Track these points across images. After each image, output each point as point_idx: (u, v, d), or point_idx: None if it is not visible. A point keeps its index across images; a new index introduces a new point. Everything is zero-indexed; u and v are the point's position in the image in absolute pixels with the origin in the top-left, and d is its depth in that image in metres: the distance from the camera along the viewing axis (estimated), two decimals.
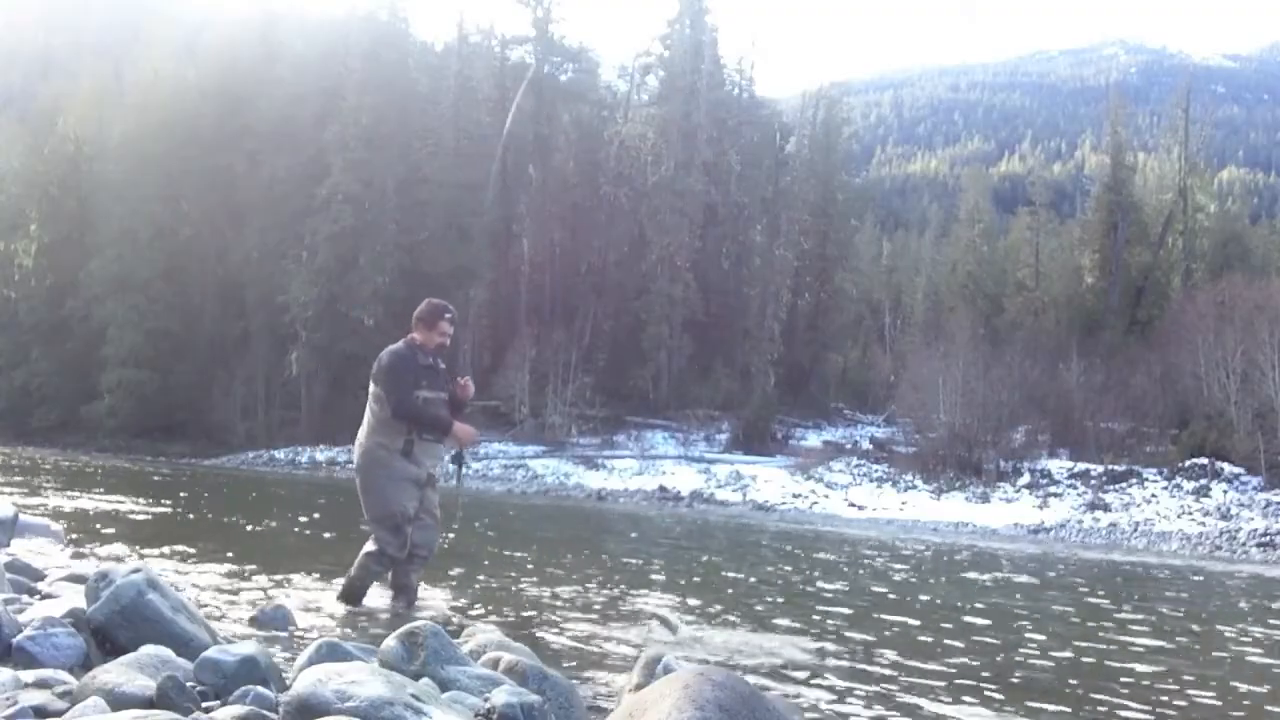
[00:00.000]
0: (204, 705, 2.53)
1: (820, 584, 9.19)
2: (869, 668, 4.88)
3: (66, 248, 45.20)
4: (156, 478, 21.96)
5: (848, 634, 5.93)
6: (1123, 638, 6.67)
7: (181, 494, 16.08)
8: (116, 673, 2.58)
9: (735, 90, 46.50)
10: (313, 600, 5.58)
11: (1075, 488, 26.45)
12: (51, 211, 46.36)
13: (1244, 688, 5.08)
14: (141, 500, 13.24)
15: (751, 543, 15.00)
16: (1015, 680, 4.87)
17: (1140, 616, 8.10)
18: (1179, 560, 17.60)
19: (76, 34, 71.91)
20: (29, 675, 2.62)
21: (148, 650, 2.81)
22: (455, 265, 39.42)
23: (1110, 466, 26.97)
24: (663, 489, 29.62)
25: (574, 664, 4.34)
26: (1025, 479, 27.52)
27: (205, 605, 4.78)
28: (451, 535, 6.26)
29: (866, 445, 34.34)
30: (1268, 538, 20.66)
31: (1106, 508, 24.72)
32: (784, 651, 5.10)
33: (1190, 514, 23.65)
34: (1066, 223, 50.62)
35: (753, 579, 9.27)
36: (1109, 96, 58.02)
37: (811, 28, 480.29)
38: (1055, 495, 26.18)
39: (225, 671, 2.72)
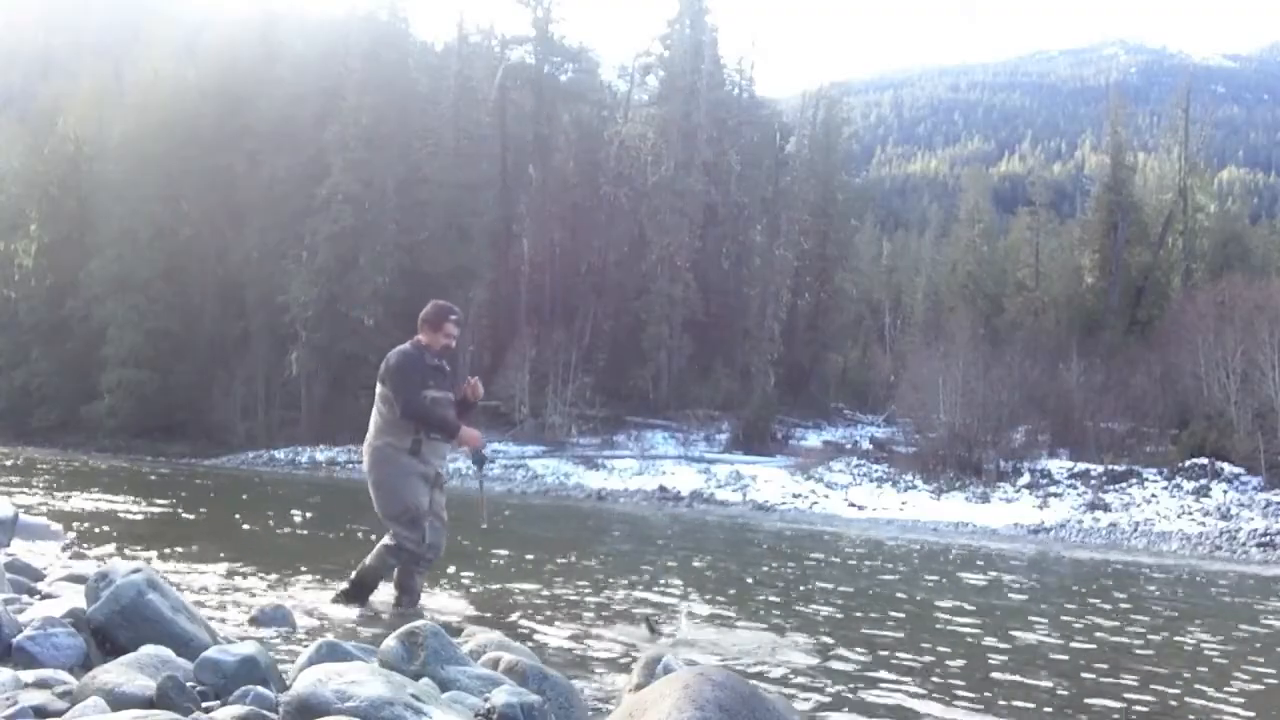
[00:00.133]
0: (204, 705, 2.53)
1: (820, 584, 9.19)
2: (868, 667, 4.88)
3: (66, 248, 45.20)
4: (156, 478, 21.96)
5: (847, 633, 5.94)
6: (1115, 638, 6.67)
7: (181, 494, 16.08)
8: (116, 673, 2.58)
9: (735, 90, 46.50)
10: (313, 600, 5.58)
11: (1075, 488, 26.45)
12: (51, 211, 46.36)
13: (1233, 687, 5.08)
14: (141, 500, 13.24)
15: (751, 543, 15.00)
16: (1015, 680, 4.87)
17: (1135, 616, 8.10)
18: (1179, 560, 17.60)
19: (76, 34, 71.92)
20: (29, 675, 2.62)
21: (148, 650, 2.81)
22: (455, 265, 39.42)
23: (1110, 466, 26.97)
24: (663, 489, 29.62)
25: (574, 664, 4.34)
26: (1025, 479, 27.52)
27: (205, 605, 4.78)
28: (485, 527, 6.26)
29: (866, 445, 34.34)
30: (1268, 538, 20.66)
31: (1106, 508, 24.72)
32: (784, 651, 5.10)
33: (1190, 514, 23.65)
34: (1066, 223, 50.62)
35: (752, 579, 9.28)
36: (1109, 96, 58.02)
37: (811, 28, 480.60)
38: (1055, 495, 26.18)
39: (225, 671, 2.72)
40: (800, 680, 4.44)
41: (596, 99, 47.09)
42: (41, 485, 15.32)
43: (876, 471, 30.54)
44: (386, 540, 5.36)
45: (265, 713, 2.45)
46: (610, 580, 7.84)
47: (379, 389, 5.44)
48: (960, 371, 30.23)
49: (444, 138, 42.17)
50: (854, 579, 10.06)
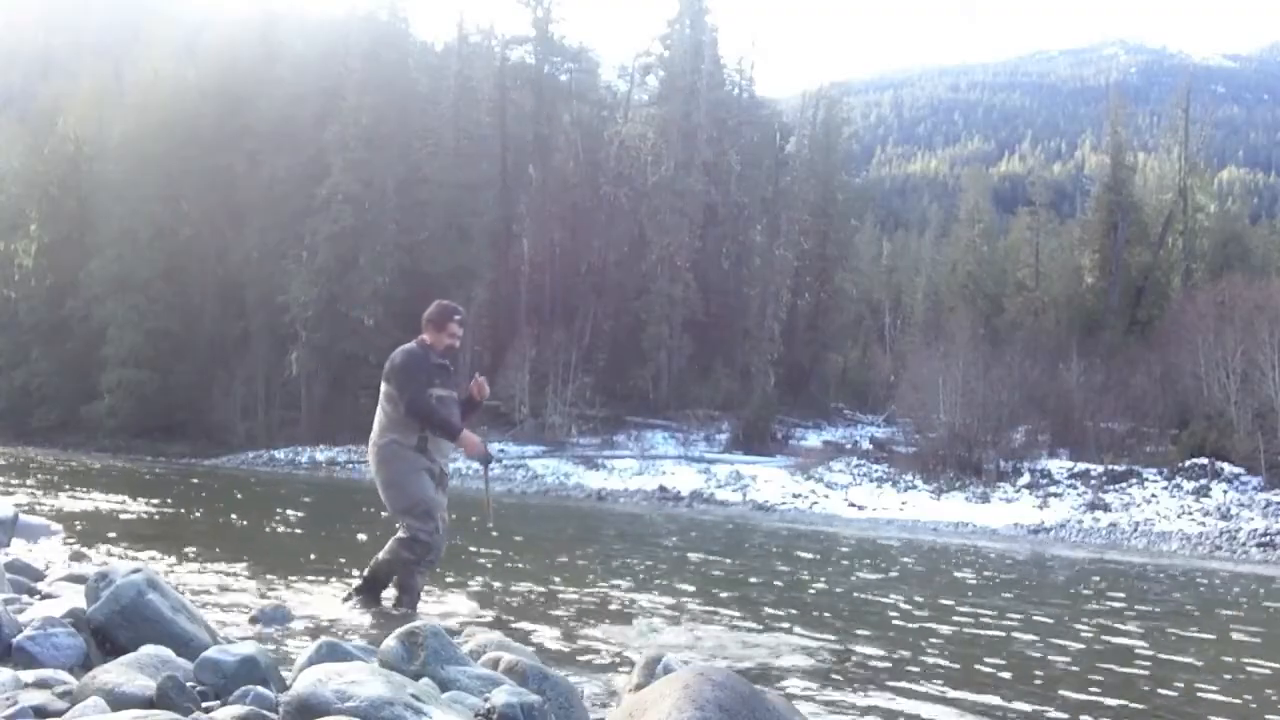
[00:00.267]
0: (204, 705, 2.53)
1: (819, 584, 9.19)
2: (868, 667, 4.88)
3: (66, 248, 45.23)
4: (156, 478, 21.96)
5: (847, 633, 5.94)
6: (1115, 639, 6.67)
7: (181, 494, 16.08)
8: (116, 673, 2.58)
9: (735, 90, 46.51)
10: (313, 600, 5.58)
11: (1075, 488, 26.46)
12: (51, 211, 46.38)
13: (1232, 687, 5.08)
14: (141, 500, 13.24)
15: (751, 543, 15.00)
16: (1015, 680, 4.87)
17: (1134, 617, 8.10)
18: (1179, 560, 17.61)
19: (76, 34, 71.96)
20: (29, 675, 2.62)
21: (148, 650, 2.81)
22: (455, 265, 39.45)
23: (1110, 466, 26.98)
24: (663, 489, 29.63)
25: (574, 664, 4.34)
26: (1025, 479, 27.53)
27: (205, 605, 4.78)
28: (490, 525, 6.24)
29: (866, 445, 34.34)
30: (1268, 538, 20.67)
31: (1106, 508, 24.72)
32: (784, 651, 5.10)
33: (1190, 514, 23.66)
34: (1066, 223, 50.62)
35: (752, 579, 9.28)
36: (1109, 96, 58.02)
37: (811, 28, 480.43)
38: (1055, 495, 26.19)
39: (225, 671, 2.72)
40: (800, 680, 4.44)
41: (596, 99, 47.11)
42: (42, 485, 15.32)
43: (876, 471, 30.55)
44: (399, 534, 5.34)
45: (265, 713, 2.45)
46: (610, 580, 7.84)
47: (384, 387, 5.44)
48: (960, 371, 30.24)
49: (444, 138, 42.19)
50: (854, 579, 10.06)
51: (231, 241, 43.88)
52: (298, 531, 11.05)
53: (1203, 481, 25.44)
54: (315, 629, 4.64)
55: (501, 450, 34.75)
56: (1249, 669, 5.76)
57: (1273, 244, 47.15)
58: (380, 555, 5.34)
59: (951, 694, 4.40)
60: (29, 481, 16.27)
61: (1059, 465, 28.33)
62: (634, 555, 11.03)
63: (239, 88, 43.35)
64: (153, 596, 3.21)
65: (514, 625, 5.24)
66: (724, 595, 7.54)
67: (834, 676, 4.59)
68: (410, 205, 41.18)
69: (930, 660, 5.23)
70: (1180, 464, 26.50)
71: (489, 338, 41.03)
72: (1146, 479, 26.35)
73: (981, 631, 6.57)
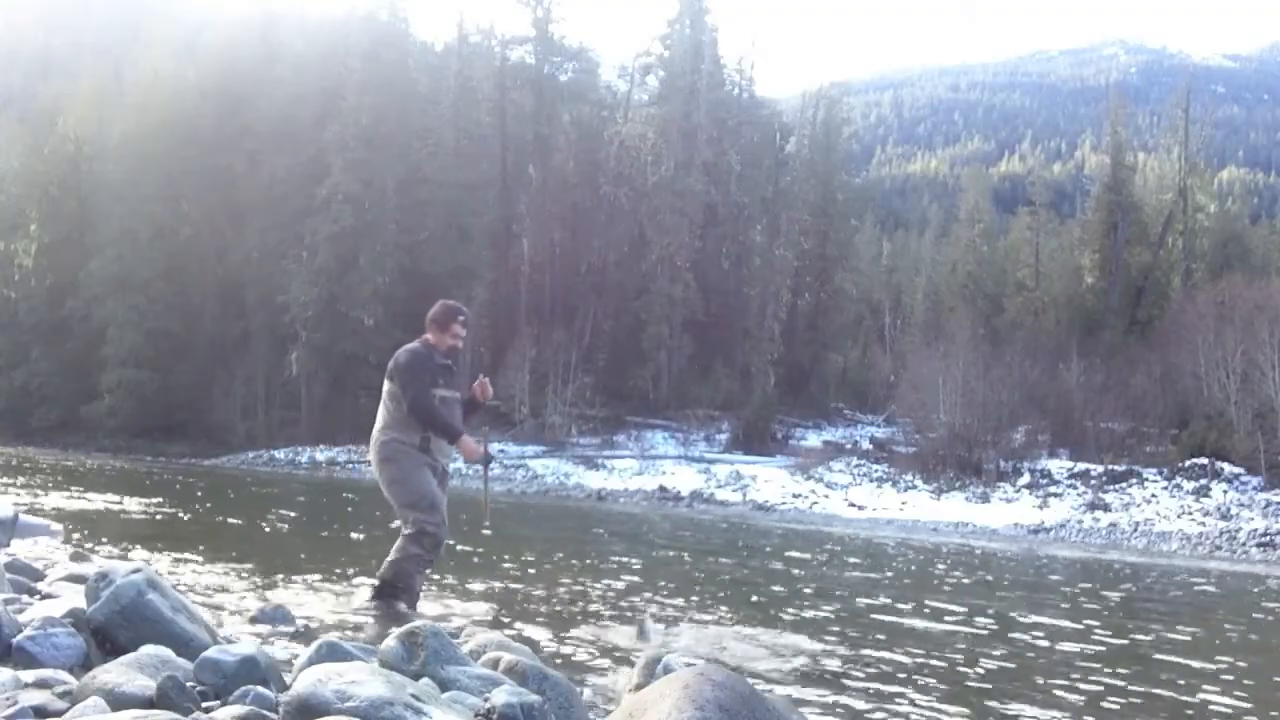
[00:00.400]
0: (204, 705, 2.53)
1: (819, 584, 9.19)
2: (867, 667, 4.88)
3: (66, 248, 45.23)
4: (156, 478, 21.96)
5: (846, 633, 5.94)
6: (1114, 639, 6.66)
7: (181, 494, 16.08)
8: (116, 673, 2.58)
9: (735, 90, 46.51)
10: (313, 600, 5.58)
11: (1075, 488, 26.46)
12: (51, 211, 46.38)
13: (1230, 687, 5.08)
14: (141, 500, 13.24)
15: (751, 543, 15.00)
16: (1013, 681, 4.87)
17: (1133, 616, 8.10)
18: (1179, 560, 17.60)
19: (76, 34, 71.97)
20: (29, 675, 2.62)
21: (148, 650, 2.81)
22: (455, 265, 39.45)
23: (1110, 466, 26.98)
24: (663, 489, 29.63)
25: (574, 664, 4.34)
26: (1025, 479, 27.53)
27: (205, 605, 4.78)
28: (487, 525, 6.24)
29: (866, 445, 34.34)
30: (1268, 538, 20.67)
31: (1106, 508, 24.73)
32: (783, 651, 5.10)
33: (1190, 514, 23.66)
34: (1066, 223, 50.62)
35: (752, 579, 9.28)
36: (1109, 96, 58.01)
37: (811, 28, 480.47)
38: (1055, 495, 26.19)
39: (225, 671, 2.72)
40: (800, 680, 4.44)
41: (596, 99, 47.11)
42: (42, 485, 15.32)
43: (876, 471, 30.55)
44: (405, 531, 5.33)
45: (265, 713, 2.45)
46: (610, 580, 7.84)
47: (387, 385, 5.45)
48: (960, 371, 30.24)
49: (444, 138, 42.20)
50: (853, 580, 10.06)
51: (231, 241, 43.88)
52: (297, 531, 11.05)
53: (1203, 481, 25.44)
54: (315, 629, 4.64)
55: (502, 450, 34.75)
56: (1247, 668, 5.76)
57: (1273, 244, 47.14)
58: (390, 556, 5.33)
59: (950, 695, 4.40)
60: (29, 481, 16.27)
61: (1059, 465, 28.33)
62: (634, 555, 11.03)
63: (239, 88, 43.35)
64: (153, 596, 3.21)
65: (514, 625, 5.24)
66: (723, 595, 7.54)
67: (833, 677, 4.59)
68: (410, 205, 41.18)
69: (929, 661, 5.23)
70: (1180, 464, 26.50)
71: (489, 338, 41.03)
72: (1146, 479, 26.35)
73: (980, 632, 6.57)
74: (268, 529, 11.10)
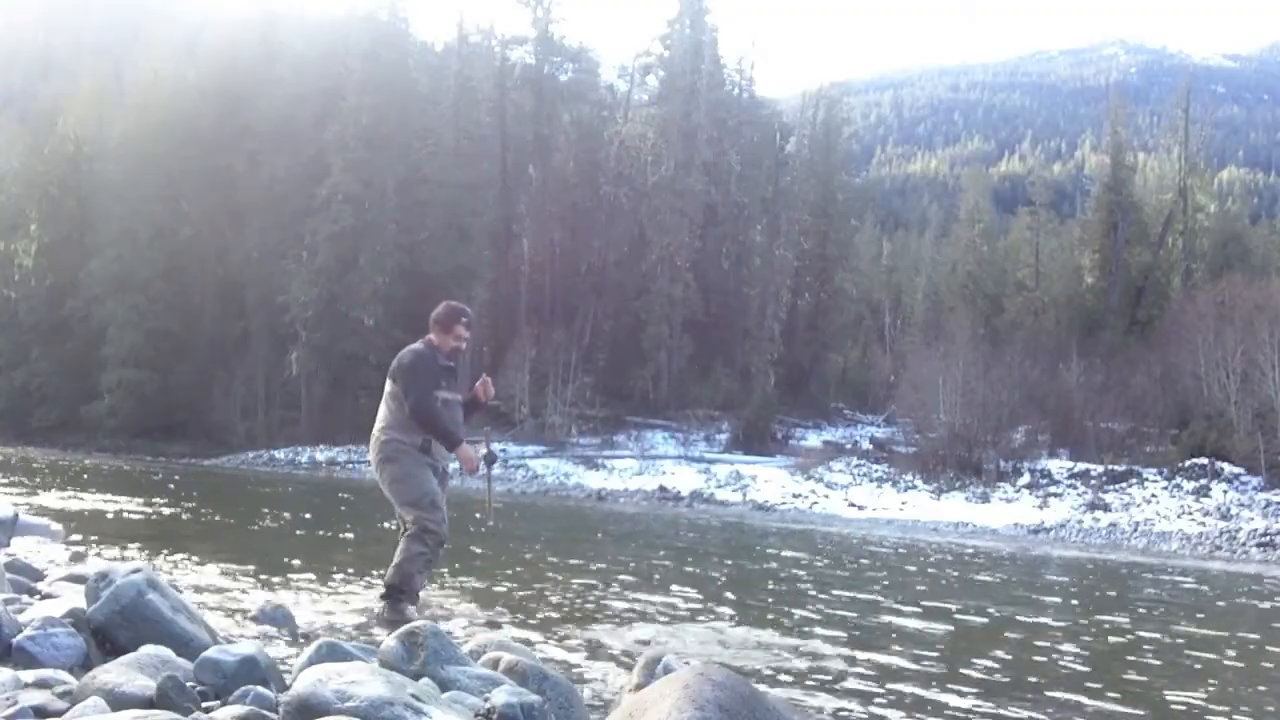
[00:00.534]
0: (204, 705, 2.53)
1: (819, 584, 9.19)
2: (866, 667, 4.88)
3: (66, 248, 45.22)
4: (156, 478, 21.96)
5: (846, 634, 5.94)
6: (1113, 638, 6.66)
7: (181, 494, 16.08)
8: (116, 673, 2.58)
9: (735, 90, 46.50)
10: (313, 600, 5.58)
11: (1075, 488, 26.45)
12: (51, 211, 46.38)
13: (1229, 687, 5.08)
14: (141, 500, 13.24)
15: (751, 543, 15.00)
16: (1014, 681, 4.88)
17: (1133, 617, 8.10)
18: (1179, 560, 17.60)
19: (76, 34, 71.96)
20: (29, 675, 2.62)
21: (148, 650, 2.81)
22: (455, 265, 39.45)
23: (1110, 466, 26.97)
24: (663, 489, 29.63)
25: (574, 664, 4.34)
26: (1025, 479, 27.52)
27: (205, 605, 4.78)
28: (490, 524, 6.24)
29: (866, 445, 34.33)
30: (1268, 538, 20.66)
31: (1106, 508, 24.72)
32: (783, 651, 5.10)
33: (1190, 514, 23.65)
34: (1066, 223, 50.60)
35: (751, 579, 9.28)
36: (1109, 96, 58.00)
37: (811, 28, 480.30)
38: (1055, 495, 26.18)
39: (225, 671, 2.72)
40: (800, 681, 4.44)
41: (596, 99, 47.10)
42: (42, 485, 15.32)
43: (876, 471, 30.54)
44: (409, 531, 5.33)
45: (265, 713, 2.45)
46: (610, 580, 7.84)
47: (389, 385, 5.44)
48: (960, 371, 30.23)
49: (444, 138, 42.19)
50: (852, 580, 10.06)
51: (231, 241, 43.88)
52: (297, 531, 11.05)
53: (1203, 481, 25.43)
54: (315, 629, 4.64)
55: (502, 449, 34.76)
56: (1245, 668, 5.76)
57: (1273, 244, 47.14)
58: (395, 560, 5.32)
59: (950, 695, 4.40)
60: (29, 481, 16.27)
61: (1059, 465, 28.32)
62: (634, 555, 11.03)
63: (239, 88, 43.34)
64: (153, 596, 3.21)
65: (514, 625, 5.24)
66: (723, 595, 7.54)
67: (833, 677, 4.59)
68: (410, 205, 41.18)
69: (929, 661, 5.23)
70: (1180, 464, 26.49)
71: (489, 338, 41.06)
72: (1146, 479, 26.34)
73: (979, 633, 6.57)
74: (268, 529, 11.11)
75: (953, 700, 4.28)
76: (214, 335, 44.04)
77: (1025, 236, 46.63)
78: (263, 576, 6.33)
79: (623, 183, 42.37)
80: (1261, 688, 5.21)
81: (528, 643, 4.37)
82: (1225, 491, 24.80)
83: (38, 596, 4.01)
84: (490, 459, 5.75)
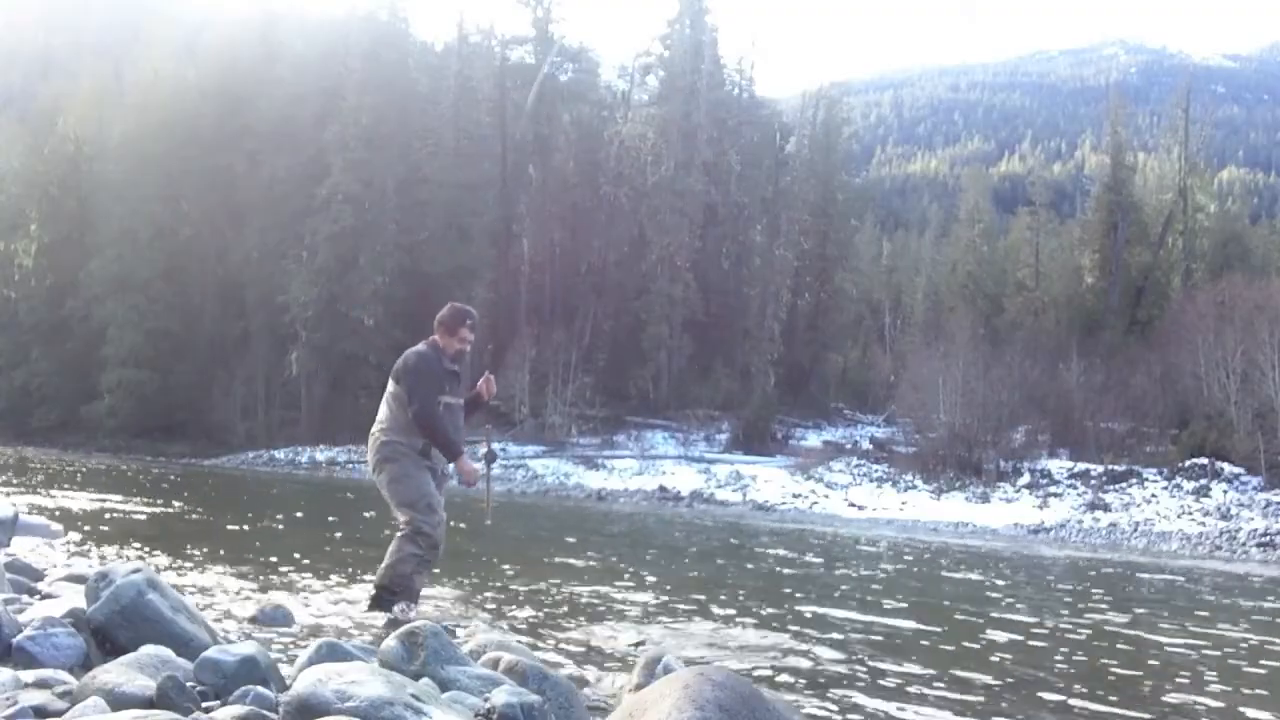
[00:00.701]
0: (204, 705, 2.53)
1: (818, 584, 9.19)
2: (865, 666, 4.88)
3: (66, 248, 45.21)
4: (156, 478, 21.96)
5: (846, 634, 5.94)
6: (1112, 637, 6.66)
7: (181, 494, 16.08)
8: (116, 673, 2.58)
9: (735, 90, 46.49)
10: (313, 600, 5.58)
11: (1075, 488, 26.45)
12: (51, 211, 46.37)
13: (1228, 687, 5.08)
14: (141, 500, 13.24)
15: (751, 543, 15.00)
16: (1013, 682, 4.87)
17: (1132, 617, 8.10)
18: (1179, 560, 17.60)
19: (76, 34, 71.90)
20: (29, 675, 2.62)
21: (148, 650, 2.81)
22: (455, 265, 39.45)
23: (1110, 466, 26.97)
24: (663, 489, 29.63)
25: (574, 664, 4.34)
26: (1025, 479, 27.52)
27: (205, 605, 4.78)
28: (489, 523, 6.24)
29: (866, 445, 34.33)
30: (1268, 538, 20.66)
31: (1106, 508, 24.72)
32: (783, 651, 5.10)
33: (1190, 514, 23.65)
34: (1066, 223, 50.60)
35: (751, 579, 9.28)
36: (1109, 96, 57.99)
37: (811, 28, 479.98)
38: (1055, 495, 26.18)
39: (225, 671, 2.72)
40: (800, 681, 4.44)
41: (596, 99, 47.10)
42: (42, 485, 15.32)
43: (876, 471, 30.54)
44: (401, 531, 5.31)
45: (265, 713, 2.45)
46: (610, 580, 7.84)
47: (392, 386, 5.40)
48: (960, 371, 30.23)
49: (444, 138, 42.19)
50: (853, 579, 10.06)
51: (231, 241, 43.87)
52: (297, 531, 11.05)
53: (1203, 481, 25.43)
54: (315, 629, 4.64)
55: (502, 449, 34.74)
56: (1242, 668, 5.76)
57: (1273, 244, 47.12)
58: (386, 561, 5.30)
59: (949, 694, 4.40)
60: (29, 481, 16.27)
61: (1059, 465, 28.32)
62: (633, 555, 11.03)
63: (239, 88, 43.34)
64: (153, 596, 3.21)
65: (514, 625, 5.24)
66: (723, 596, 7.54)
67: (833, 677, 4.59)
68: (410, 205, 41.18)
69: (929, 660, 5.23)
70: (1180, 464, 26.48)
71: (489, 338, 41.04)
72: (1146, 479, 26.34)
73: (978, 632, 6.57)
74: (268, 529, 11.11)
75: (953, 699, 4.28)
76: (214, 335, 44.04)
77: (1025, 236, 46.62)
78: (263, 576, 6.33)
79: (623, 183, 42.36)
80: (1261, 689, 5.21)
81: (527, 643, 4.37)
82: (1225, 491, 24.79)
83: (38, 596, 4.01)
84: (490, 457, 5.74)
